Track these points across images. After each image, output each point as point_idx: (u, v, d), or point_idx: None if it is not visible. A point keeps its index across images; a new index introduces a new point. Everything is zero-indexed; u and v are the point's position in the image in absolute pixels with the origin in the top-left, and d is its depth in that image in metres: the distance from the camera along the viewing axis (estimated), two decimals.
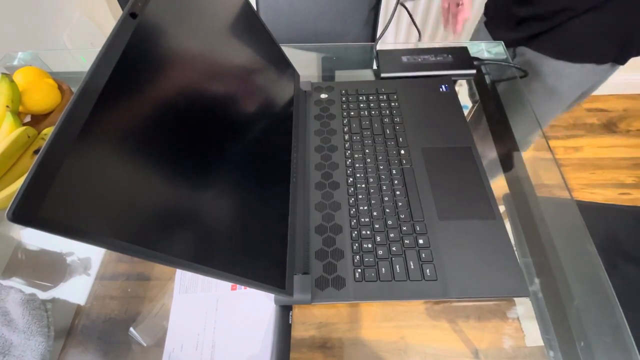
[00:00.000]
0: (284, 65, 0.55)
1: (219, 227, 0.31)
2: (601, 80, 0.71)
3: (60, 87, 0.58)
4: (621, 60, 0.65)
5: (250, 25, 0.46)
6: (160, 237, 0.25)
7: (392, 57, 0.64)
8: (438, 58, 0.63)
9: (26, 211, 0.17)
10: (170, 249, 0.25)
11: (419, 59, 0.63)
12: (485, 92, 0.63)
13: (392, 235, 0.44)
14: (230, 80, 0.39)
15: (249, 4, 0.46)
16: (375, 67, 0.67)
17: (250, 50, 0.45)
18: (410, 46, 0.66)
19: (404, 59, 0.63)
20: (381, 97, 0.58)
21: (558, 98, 0.72)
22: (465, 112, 0.56)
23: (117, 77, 0.24)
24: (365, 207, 0.46)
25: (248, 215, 0.36)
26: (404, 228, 0.44)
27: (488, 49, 0.68)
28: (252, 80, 0.44)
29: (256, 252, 0.35)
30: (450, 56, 0.63)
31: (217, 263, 0.29)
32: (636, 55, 0.64)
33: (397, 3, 0.68)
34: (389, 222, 0.45)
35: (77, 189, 0.20)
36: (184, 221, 0.28)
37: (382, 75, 0.62)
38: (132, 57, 0.26)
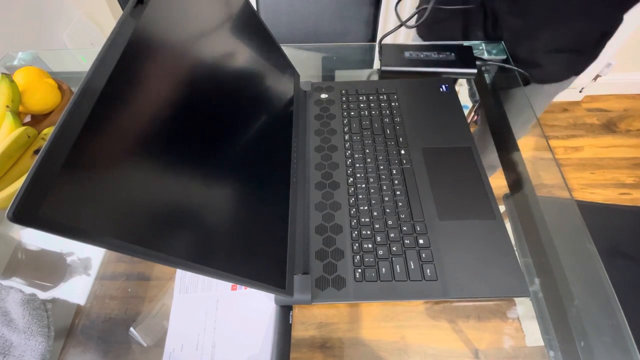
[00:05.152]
0: (284, 65, 0.55)
1: (219, 227, 0.31)
2: (569, 84, 0.72)
3: (60, 87, 0.58)
4: (578, 71, 0.66)
5: (250, 25, 0.46)
6: (160, 237, 0.25)
7: (394, 52, 0.64)
8: (441, 55, 0.62)
9: (26, 211, 0.17)
10: (170, 249, 0.25)
11: (422, 55, 0.63)
12: (485, 92, 0.63)
13: (392, 235, 0.44)
14: (230, 80, 0.39)
15: (249, 4, 0.46)
16: (376, 63, 0.66)
17: (250, 50, 0.45)
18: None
19: (407, 54, 0.63)
20: (381, 97, 0.58)
21: (530, 110, 0.74)
22: (465, 112, 0.56)
23: (117, 77, 0.24)
24: (366, 207, 0.46)
25: (248, 216, 0.36)
26: (404, 228, 0.44)
27: (488, 49, 0.68)
28: (252, 80, 0.44)
29: (256, 252, 0.35)
30: (452, 54, 0.63)
31: (217, 263, 0.29)
32: (591, 62, 0.65)
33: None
34: (389, 222, 0.44)
35: (77, 189, 0.20)
36: (184, 221, 0.28)
37: (383, 68, 0.62)
38: (132, 57, 0.26)
